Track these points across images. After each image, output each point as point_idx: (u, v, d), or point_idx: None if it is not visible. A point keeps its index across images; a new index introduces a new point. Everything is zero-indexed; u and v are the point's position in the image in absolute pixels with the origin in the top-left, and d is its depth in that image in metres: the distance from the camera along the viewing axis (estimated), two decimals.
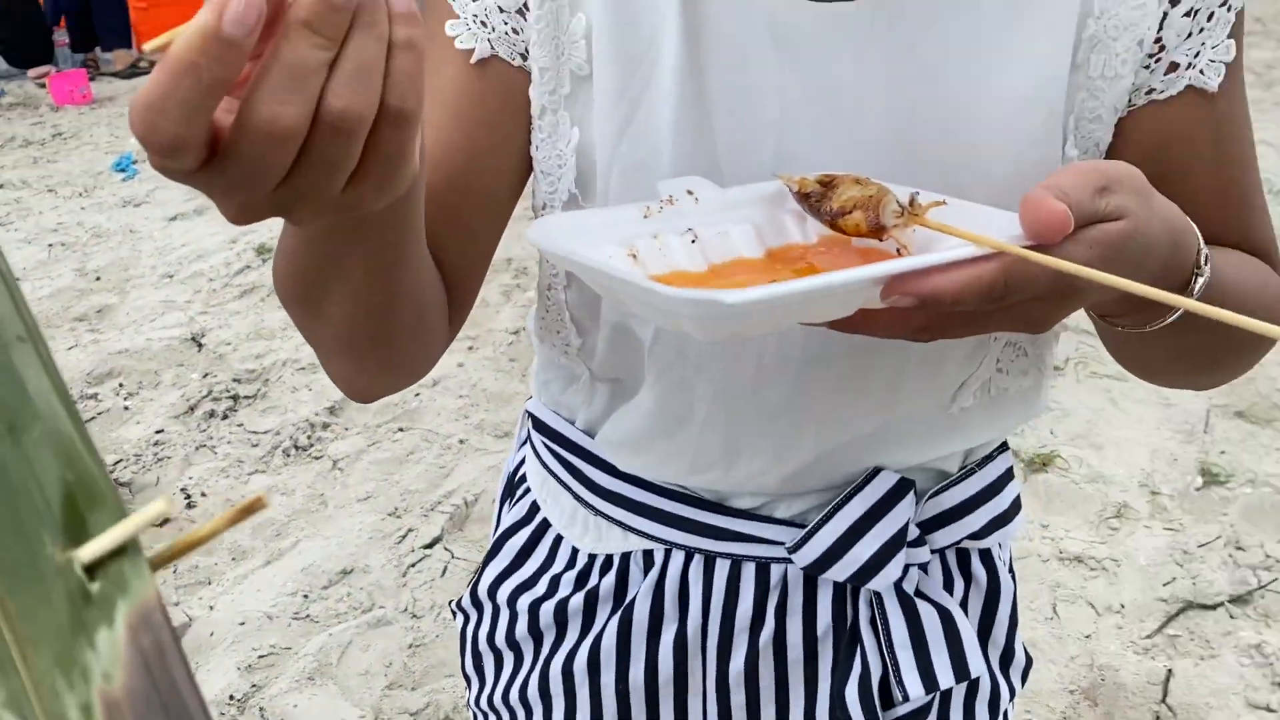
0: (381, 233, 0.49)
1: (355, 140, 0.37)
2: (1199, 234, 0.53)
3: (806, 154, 0.58)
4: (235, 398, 2.75)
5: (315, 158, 0.37)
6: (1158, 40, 0.58)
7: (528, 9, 0.60)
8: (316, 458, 2.50)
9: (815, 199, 0.50)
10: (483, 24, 0.61)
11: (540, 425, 0.79)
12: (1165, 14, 0.58)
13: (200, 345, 3.05)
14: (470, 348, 2.94)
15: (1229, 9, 0.58)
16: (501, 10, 0.60)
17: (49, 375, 0.21)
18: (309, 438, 2.57)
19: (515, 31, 0.60)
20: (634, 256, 0.50)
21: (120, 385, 2.84)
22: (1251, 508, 2.16)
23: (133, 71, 6.48)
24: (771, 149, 0.58)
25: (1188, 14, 0.58)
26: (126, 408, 2.74)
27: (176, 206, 4.15)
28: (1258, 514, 2.14)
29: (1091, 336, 2.78)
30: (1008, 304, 0.46)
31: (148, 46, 0.34)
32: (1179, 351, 0.62)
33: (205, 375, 2.87)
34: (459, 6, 0.61)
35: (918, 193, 0.48)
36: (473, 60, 0.61)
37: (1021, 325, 0.49)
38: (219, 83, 0.33)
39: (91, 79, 6.06)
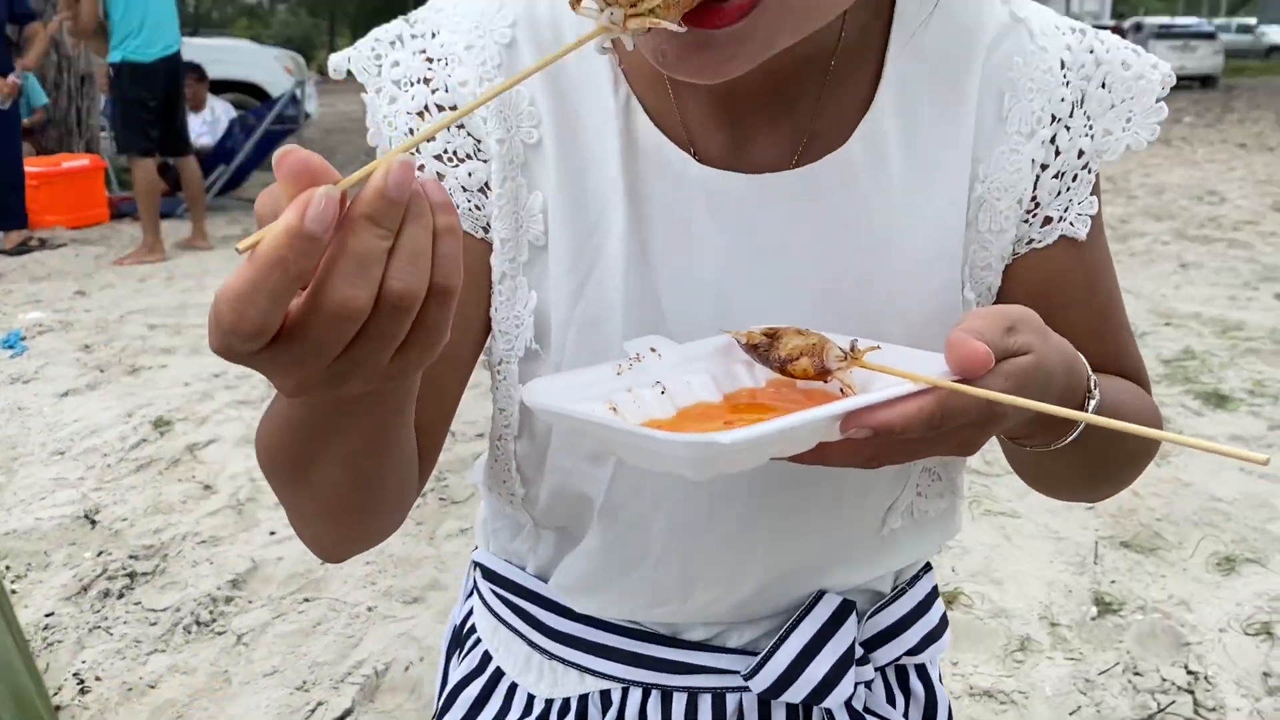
0: (389, 400, 0.53)
1: (410, 316, 0.41)
2: (1086, 363, 0.61)
3: (743, 307, 0.64)
4: (132, 575, 2.66)
5: (374, 333, 0.41)
6: (1034, 199, 0.67)
7: (489, 188, 0.66)
8: (219, 633, 2.42)
9: (763, 349, 0.56)
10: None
11: (489, 574, 0.82)
12: (1038, 176, 0.67)
13: (94, 522, 2.95)
14: None
15: (1089, 171, 0.68)
16: (465, 190, 0.66)
17: (11, 634, 0.24)
18: (211, 613, 2.49)
19: (478, 208, 0.67)
20: (614, 409, 0.55)
21: (7, 568, 2.73)
22: (1144, 633, 2.25)
23: (22, 249, 6.40)
24: (711, 304, 0.65)
25: (1056, 176, 0.67)
26: (14, 591, 2.63)
27: (68, 382, 4.07)
28: (1150, 639, 2.23)
29: (984, 476, 2.90)
30: (943, 431, 0.52)
31: (241, 245, 0.38)
32: (1078, 466, 0.68)
33: (99, 553, 2.77)
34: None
35: (856, 340, 0.55)
36: None
37: (955, 449, 0.55)
38: (303, 273, 0.38)
39: None
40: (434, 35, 0.67)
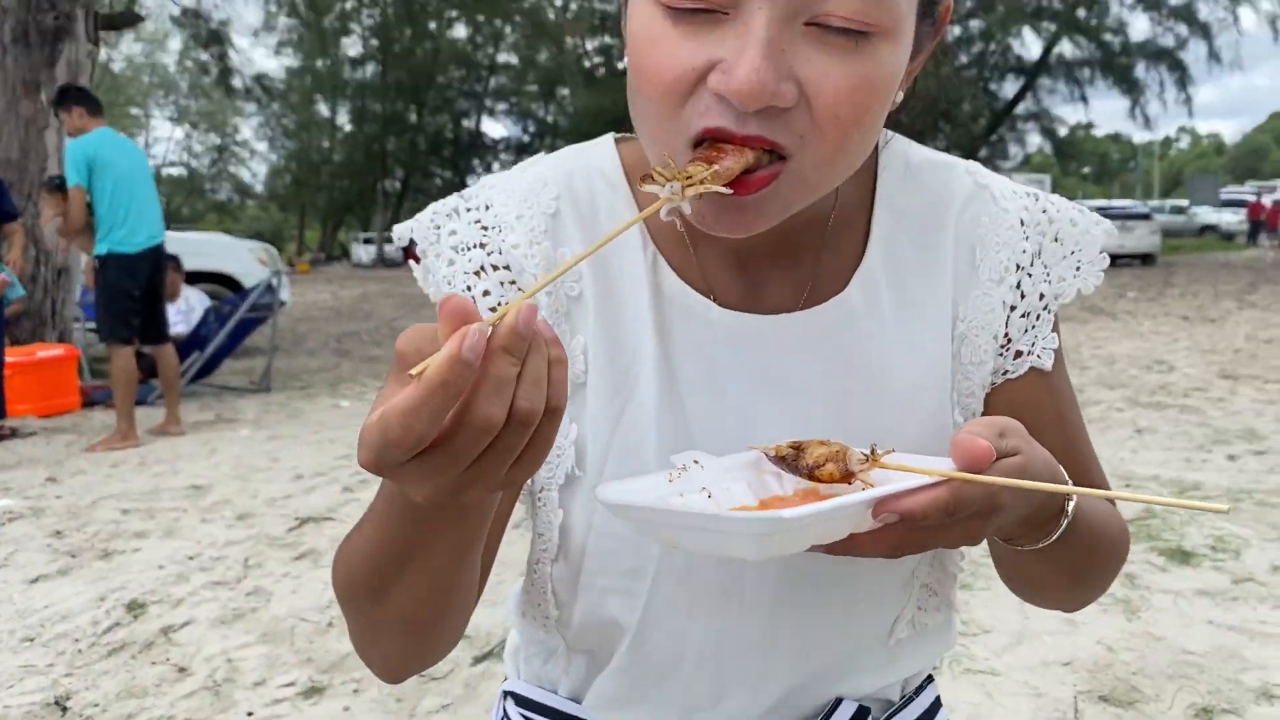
0: (484, 513, 0.62)
1: (530, 431, 0.50)
2: (1064, 470, 0.70)
3: (763, 429, 0.73)
4: None
5: (500, 446, 0.50)
6: (1006, 335, 0.79)
7: None
8: None
9: (790, 459, 0.64)
10: None
11: (523, 701, 0.87)
12: (1008, 316, 0.79)
13: (65, 709, 2.89)
14: (355, 690, 2.89)
15: (1049, 311, 0.80)
16: None
17: None
18: None
19: None
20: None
21: None
22: None
23: None
24: (735, 428, 0.74)
25: (1023, 315, 0.79)
26: None
27: (39, 568, 4.02)
28: None
29: (964, 636, 2.94)
30: (954, 519, 0.60)
31: (413, 371, 0.47)
32: (1061, 566, 0.77)
33: None
34: None
35: (875, 445, 0.63)
36: None
37: (963, 539, 0.64)
38: (458, 394, 0.47)
39: None
40: (488, 208, 0.79)
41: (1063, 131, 30.50)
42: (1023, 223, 0.79)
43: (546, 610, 0.82)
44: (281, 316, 10.31)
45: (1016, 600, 2.79)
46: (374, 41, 34.99)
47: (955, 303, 0.78)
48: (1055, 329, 0.81)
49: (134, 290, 6.16)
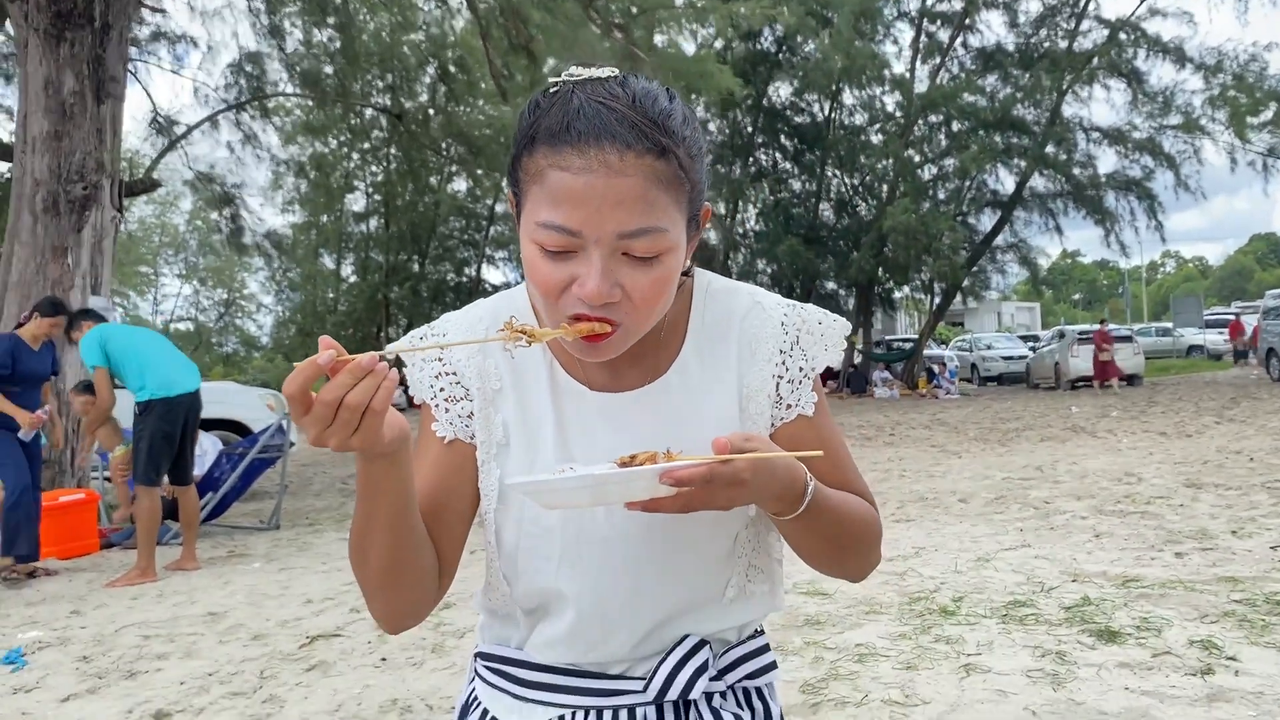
0: (394, 475, 1.05)
1: (358, 416, 0.94)
2: (807, 470, 1.10)
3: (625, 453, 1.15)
4: None
5: (341, 419, 0.94)
6: (778, 395, 1.22)
7: (473, 416, 1.22)
8: None
9: (627, 464, 1.05)
10: (450, 424, 1.22)
11: (487, 656, 1.29)
12: (778, 384, 1.22)
13: None
14: None
15: (808, 377, 1.23)
16: (460, 416, 1.22)
17: None
18: None
19: (466, 426, 1.22)
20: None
21: None
22: None
23: (15, 578, 6.76)
24: (604, 457, 1.16)
25: (789, 382, 1.22)
26: None
27: (69, 688, 4.34)
28: None
29: (902, 708, 3.29)
30: (711, 488, 0.98)
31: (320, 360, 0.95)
32: (819, 536, 1.13)
33: None
34: (438, 416, 1.23)
35: (669, 448, 1.07)
36: (445, 441, 1.23)
37: (727, 502, 1.01)
38: (321, 372, 0.94)
39: None
40: (444, 335, 1.26)
41: (1043, 261, 31.24)
42: (783, 324, 1.24)
43: (502, 590, 1.24)
44: (291, 460, 10.73)
45: (956, 677, 3.27)
46: (377, 197, 36.39)
47: (741, 377, 1.22)
48: (815, 389, 1.24)
49: (173, 432, 6.68)
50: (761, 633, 1.32)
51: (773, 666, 1.30)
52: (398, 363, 1.30)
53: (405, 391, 1.31)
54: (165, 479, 6.94)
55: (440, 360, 1.24)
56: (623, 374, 1.22)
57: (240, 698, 4.05)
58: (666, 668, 1.19)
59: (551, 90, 1.08)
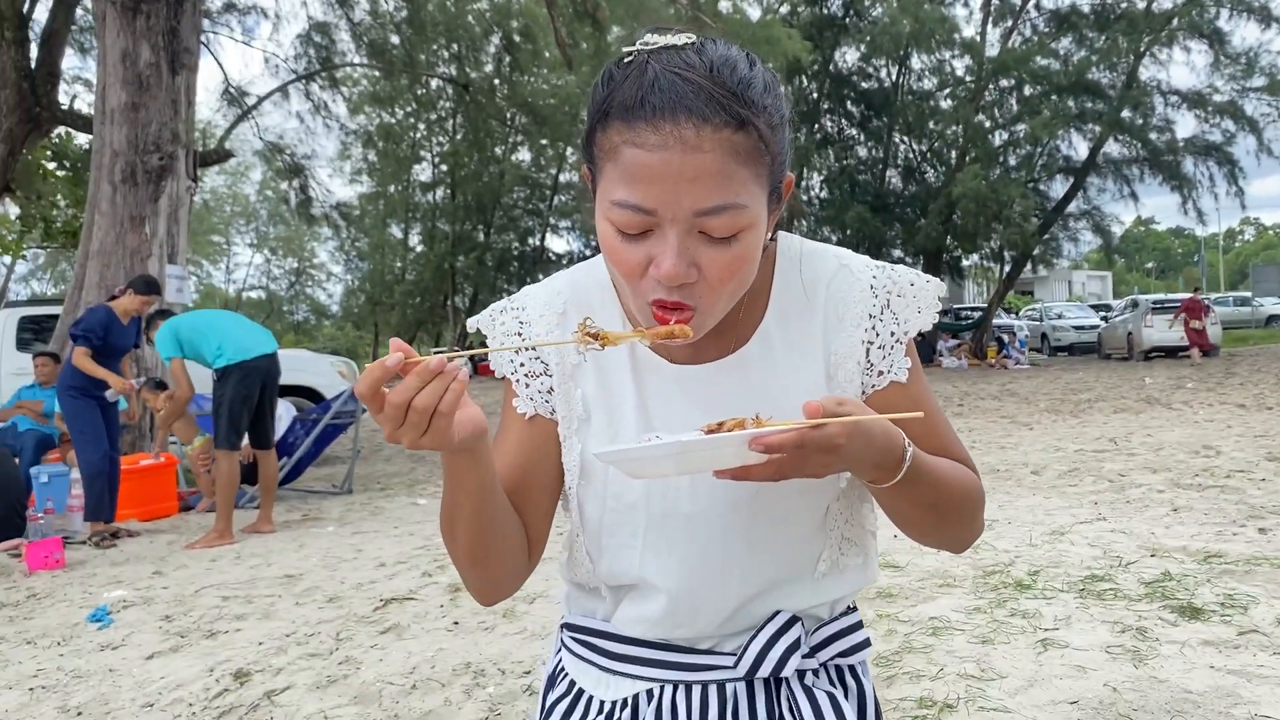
0: (474, 469, 1.05)
1: (426, 417, 0.93)
2: (904, 435, 1.06)
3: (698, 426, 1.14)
4: None
5: (410, 420, 0.93)
6: (868, 361, 1.18)
7: (553, 391, 1.21)
8: None
9: (714, 431, 1.01)
10: (530, 400, 1.22)
11: (573, 627, 1.28)
12: (868, 350, 1.18)
13: None
14: None
15: (899, 342, 1.18)
16: (540, 391, 1.21)
17: None
18: None
19: (546, 401, 1.21)
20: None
21: None
22: None
23: (101, 540, 6.97)
24: (687, 429, 1.14)
25: (880, 347, 1.18)
26: None
27: (153, 646, 4.48)
28: None
29: (978, 682, 3.25)
30: (805, 453, 0.94)
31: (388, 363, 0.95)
32: (917, 503, 1.08)
33: None
34: (519, 391, 1.22)
35: (758, 414, 1.02)
36: (527, 417, 1.22)
37: (817, 470, 0.97)
38: (390, 374, 0.92)
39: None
40: (523, 309, 1.24)
41: (1116, 229, 30.45)
42: (872, 287, 1.19)
43: (587, 567, 1.22)
44: (361, 426, 10.91)
45: (1033, 652, 3.20)
46: (443, 167, 36.66)
47: (828, 344, 1.19)
48: (909, 354, 1.20)
49: (251, 395, 6.84)
50: (854, 609, 1.29)
51: (866, 644, 1.27)
52: (478, 336, 1.30)
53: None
54: (245, 442, 7.10)
55: (519, 335, 1.23)
56: (704, 345, 1.19)
57: (317, 659, 4.14)
58: (758, 644, 1.16)
59: (626, 60, 1.04)
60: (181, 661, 4.25)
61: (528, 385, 1.22)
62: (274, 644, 4.39)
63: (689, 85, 0.98)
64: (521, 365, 1.22)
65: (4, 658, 4.50)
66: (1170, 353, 23.88)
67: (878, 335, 1.19)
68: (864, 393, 1.19)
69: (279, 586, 5.45)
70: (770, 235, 1.15)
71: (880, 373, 1.19)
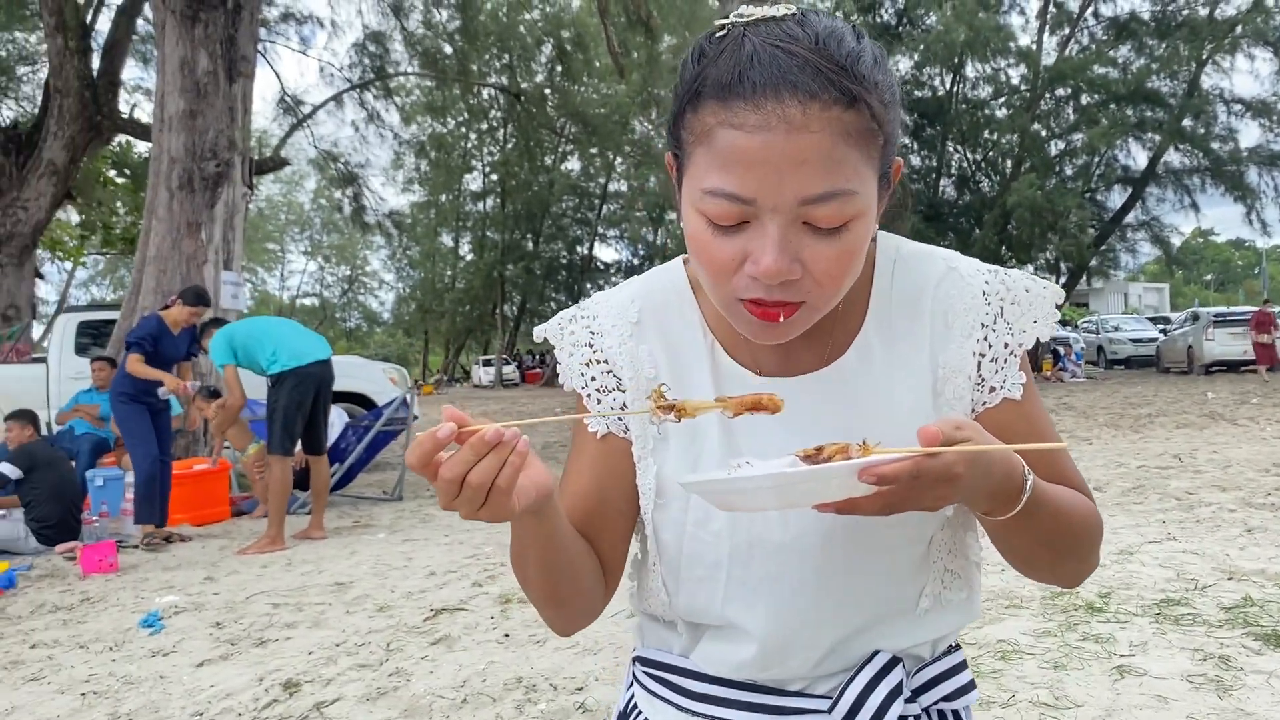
0: (539, 528, 0.97)
1: (481, 493, 0.84)
2: (1023, 462, 0.94)
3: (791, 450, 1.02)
4: None
5: (464, 496, 0.85)
6: (980, 376, 1.07)
7: (626, 408, 1.11)
8: None
9: (813, 457, 0.90)
10: (603, 418, 1.12)
11: (648, 662, 1.17)
12: (979, 362, 1.06)
13: None
14: None
15: (1014, 355, 1.07)
16: (612, 408, 1.11)
17: None
18: None
19: (619, 419, 1.12)
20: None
21: None
22: None
23: (153, 544, 7.00)
24: (777, 452, 1.02)
25: (992, 360, 1.06)
26: None
27: (203, 654, 4.45)
28: None
29: (1053, 711, 3.10)
30: (920, 485, 0.82)
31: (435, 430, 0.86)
32: (1034, 537, 0.98)
33: None
34: (590, 408, 1.12)
35: (865, 439, 0.89)
36: (599, 436, 1.12)
37: (932, 502, 0.85)
38: (442, 446, 0.84)
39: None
40: (595, 318, 1.14)
41: (1174, 240, 29.85)
42: (984, 292, 1.07)
43: (660, 598, 1.12)
44: (411, 433, 10.92)
45: (1109, 679, 3.02)
46: (493, 176, 36.89)
47: (935, 356, 1.06)
48: (1023, 368, 1.08)
49: (305, 401, 6.84)
50: (957, 647, 1.17)
51: (971, 687, 1.15)
52: (547, 345, 1.21)
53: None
54: (299, 448, 7.10)
55: (590, 346, 1.13)
56: (795, 356, 1.08)
57: (367, 670, 4.08)
58: (856, 687, 1.06)
59: (719, 34, 0.93)
60: (231, 670, 4.21)
61: (599, 401, 1.13)
62: (324, 654, 4.34)
63: (793, 59, 0.88)
64: (593, 380, 1.13)
65: (56, 662, 4.50)
66: (1232, 367, 23.30)
67: (990, 347, 1.07)
68: (974, 411, 1.08)
69: (329, 594, 5.41)
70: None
71: (992, 389, 1.08)
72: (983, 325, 1.07)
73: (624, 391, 1.11)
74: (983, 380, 1.07)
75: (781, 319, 0.95)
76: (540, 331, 1.17)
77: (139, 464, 6.98)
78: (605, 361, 1.12)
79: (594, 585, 1.09)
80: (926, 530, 1.06)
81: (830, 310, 1.01)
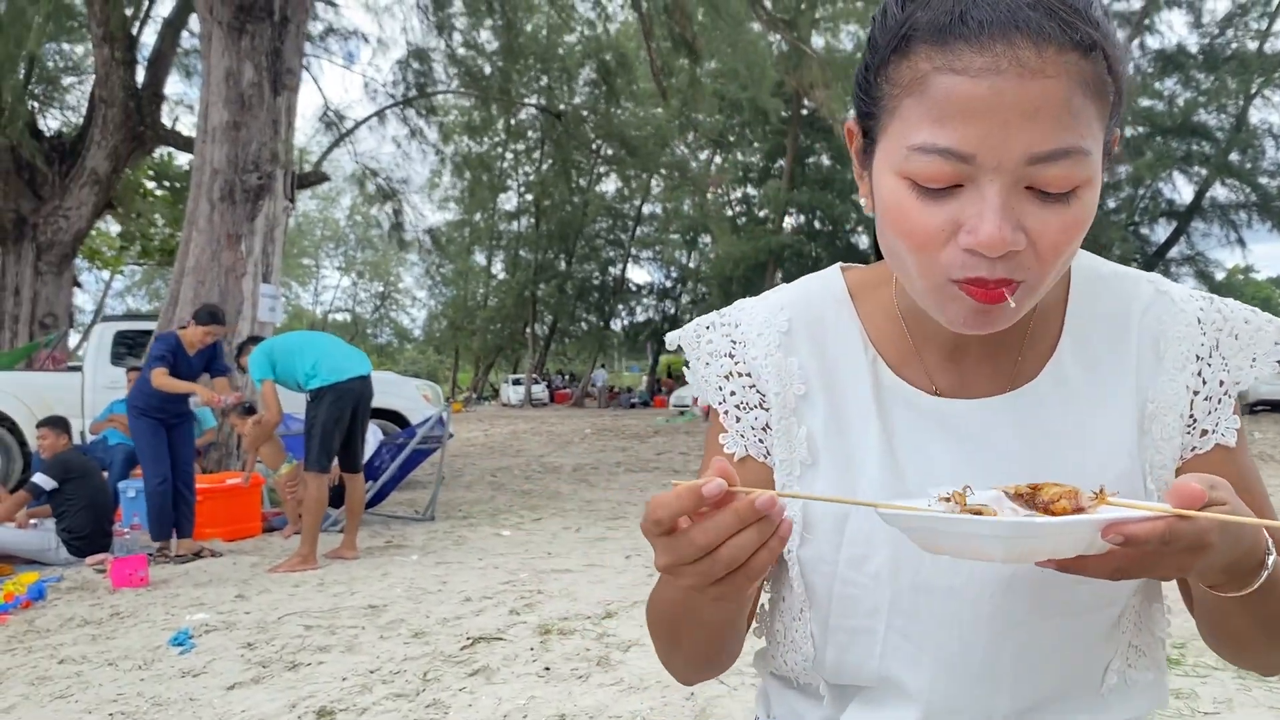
0: (738, 604, 0.84)
1: (726, 568, 0.72)
2: (1268, 536, 0.79)
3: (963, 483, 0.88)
4: None
5: (703, 568, 0.72)
6: (1191, 416, 0.92)
7: (769, 428, 0.96)
8: None
9: (1027, 497, 0.76)
10: (740, 437, 0.97)
11: None
12: (1192, 400, 0.92)
13: None
14: None
15: (1230, 395, 0.93)
16: (752, 428, 0.97)
17: None
18: None
19: (760, 441, 0.97)
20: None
21: None
22: None
23: (184, 559, 6.90)
24: (948, 484, 0.88)
25: (1206, 399, 0.92)
26: None
27: (234, 676, 4.31)
28: None
29: None
30: (1167, 551, 0.69)
31: (674, 483, 0.70)
32: (1258, 620, 0.84)
33: None
34: (727, 425, 0.98)
35: (1104, 486, 0.75)
36: (735, 459, 0.97)
37: (1173, 570, 0.73)
38: (690, 510, 0.71)
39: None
40: (737, 325, 1.00)
41: (1219, 275, 29.41)
42: (1199, 321, 0.93)
43: (803, 652, 0.96)
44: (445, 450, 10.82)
45: None
46: (528, 196, 36.98)
47: (1142, 388, 0.92)
48: (1237, 411, 0.93)
49: (343, 417, 6.72)
50: None
51: None
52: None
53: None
54: (335, 465, 6.98)
55: (731, 356, 0.99)
56: (973, 375, 0.94)
57: (404, 700, 3.92)
58: None
59: None
60: (263, 694, 4.07)
61: (738, 419, 0.98)
62: (358, 680, 4.19)
63: None
64: (732, 394, 0.98)
65: (85, 679, 4.38)
66: (1276, 406, 22.87)
67: (1204, 383, 0.93)
68: (1182, 456, 0.93)
69: (363, 617, 5.26)
70: None
71: (1204, 431, 0.93)
72: (1198, 358, 0.93)
73: (767, 410, 0.97)
74: (1194, 421, 0.93)
75: (1009, 299, 0.80)
76: (673, 338, 1.02)
77: (147, 481, 6.89)
78: (748, 374, 0.98)
79: (740, 644, 0.96)
80: (1121, 595, 0.91)
81: (1013, 325, 0.86)
